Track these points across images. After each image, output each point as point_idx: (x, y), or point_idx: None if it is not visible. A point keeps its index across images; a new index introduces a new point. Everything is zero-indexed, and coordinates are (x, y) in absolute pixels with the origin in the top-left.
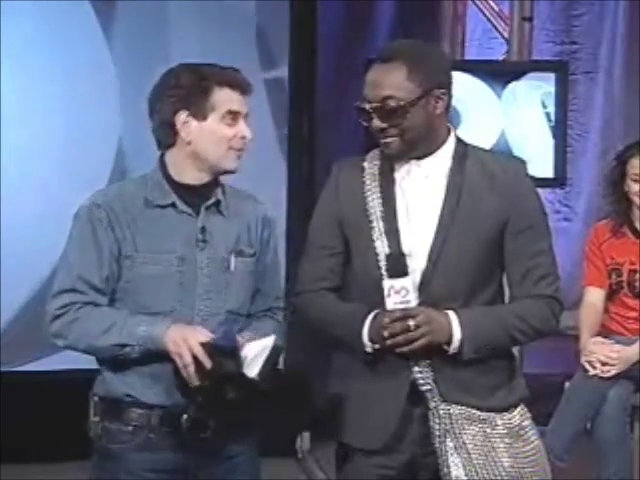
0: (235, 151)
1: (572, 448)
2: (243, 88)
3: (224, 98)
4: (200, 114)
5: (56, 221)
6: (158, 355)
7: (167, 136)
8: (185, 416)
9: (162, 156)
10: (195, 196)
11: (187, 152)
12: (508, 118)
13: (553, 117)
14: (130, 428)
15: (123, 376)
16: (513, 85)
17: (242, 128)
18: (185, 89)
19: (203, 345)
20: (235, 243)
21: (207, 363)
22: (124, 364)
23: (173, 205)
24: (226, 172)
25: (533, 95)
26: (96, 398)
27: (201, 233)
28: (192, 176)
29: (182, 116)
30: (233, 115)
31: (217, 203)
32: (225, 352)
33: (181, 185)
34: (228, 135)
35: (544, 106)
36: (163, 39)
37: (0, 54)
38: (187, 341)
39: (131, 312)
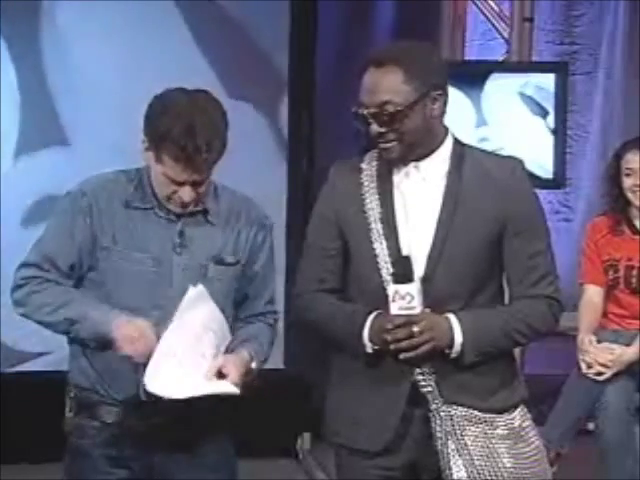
0: (175, 202)
1: (571, 436)
2: (190, 162)
3: (167, 164)
4: (153, 154)
5: None
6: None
7: None
8: (152, 413)
9: None
10: None
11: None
12: (493, 119)
13: (537, 106)
14: (97, 424)
15: (94, 365)
16: (487, 86)
17: (182, 192)
18: (149, 121)
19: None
20: (218, 251)
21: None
22: (92, 354)
23: (152, 209)
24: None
25: (509, 90)
26: (72, 393)
27: (179, 237)
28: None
29: (146, 142)
30: (172, 180)
31: (205, 211)
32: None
33: None
34: (167, 190)
35: (523, 96)
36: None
37: None
38: (135, 346)
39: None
